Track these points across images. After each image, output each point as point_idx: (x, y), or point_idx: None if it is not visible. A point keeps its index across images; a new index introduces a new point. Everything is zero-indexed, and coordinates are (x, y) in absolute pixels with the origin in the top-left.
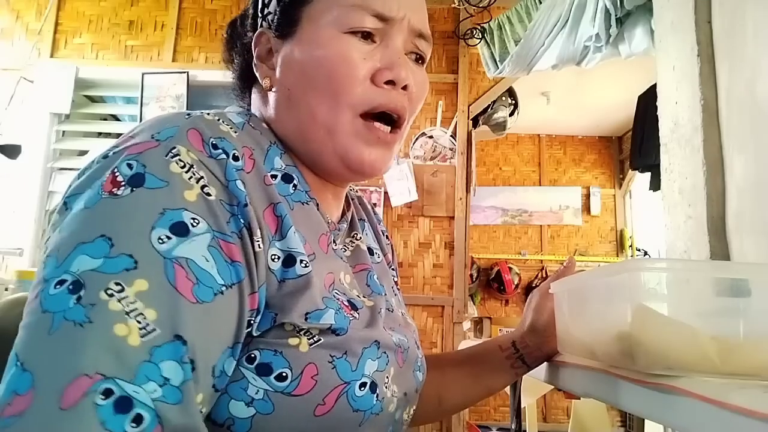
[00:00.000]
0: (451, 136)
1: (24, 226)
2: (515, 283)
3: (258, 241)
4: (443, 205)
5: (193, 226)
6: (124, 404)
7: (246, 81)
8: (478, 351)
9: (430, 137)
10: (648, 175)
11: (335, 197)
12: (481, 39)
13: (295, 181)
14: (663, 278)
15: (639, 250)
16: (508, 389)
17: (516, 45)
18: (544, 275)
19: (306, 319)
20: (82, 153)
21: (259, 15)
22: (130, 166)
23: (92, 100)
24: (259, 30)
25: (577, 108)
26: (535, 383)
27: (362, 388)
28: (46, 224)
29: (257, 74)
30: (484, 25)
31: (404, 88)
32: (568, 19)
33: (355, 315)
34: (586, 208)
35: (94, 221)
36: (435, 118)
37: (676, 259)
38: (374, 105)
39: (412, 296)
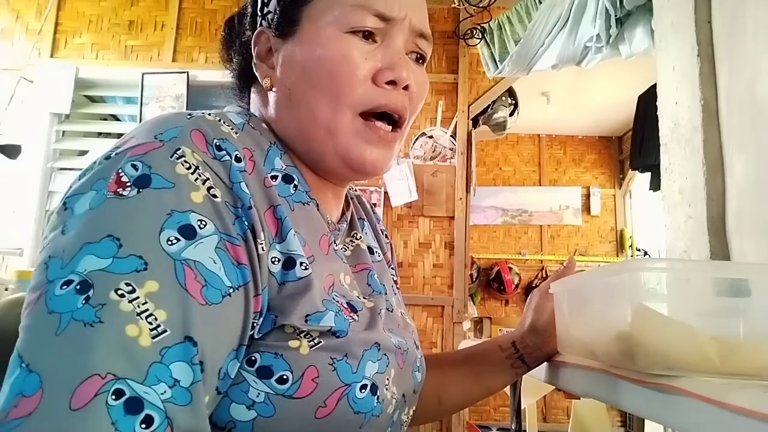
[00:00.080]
0: (451, 136)
1: (24, 226)
2: (515, 283)
3: (261, 243)
4: (443, 205)
5: (200, 228)
6: (134, 405)
7: (245, 80)
8: (478, 351)
9: (430, 137)
10: (648, 175)
11: (335, 197)
12: (481, 39)
13: (295, 182)
14: (663, 278)
15: (639, 250)
16: (508, 389)
17: (516, 45)
18: (544, 275)
19: (306, 321)
20: (82, 153)
21: (259, 14)
22: (135, 166)
23: (92, 100)
24: (258, 29)
25: (577, 108)
26: (535, 383)
27: (363, 390)
28: (45, 224)
29: (257, 74)
30: (484, 25)
31: (405, 88)
32: (568, 19)
33: (355, 317)
34: (586, 208)
35: (100, 222)
36: (435, 118)
37: (676, 259)
38: (375, 105)
39: (412, 296)
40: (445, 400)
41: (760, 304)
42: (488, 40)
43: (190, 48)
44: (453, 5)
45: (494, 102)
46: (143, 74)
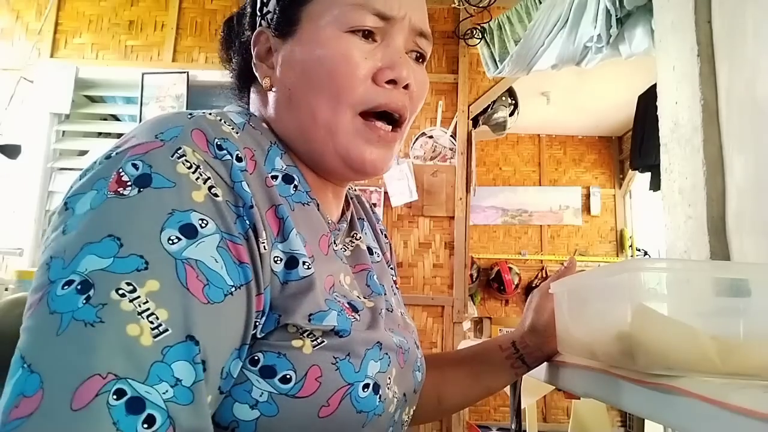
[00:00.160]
0: (451, 136)
1: (24, 226)
2: (515, 283)
3: (263, 242)
4: (443, 205)
5: (201, 227)
6: (136, 405)
7: (244, 80)
8: (478, 351)
9: (430, 137)
10: (648, 175)
11: (335, 196)
12: (481, 39)
13: (295, 182)
14: (663, 278)
15: (639, 250)
16: (508, 389)
17: (516, 45)
18: (544, 275)
19: (309, 320)
20: (82, 153)
21: (258, 14)
22: (135, 166)
23: (92, 100)
24: (258, 29)
25: (577, 108)
26: (535, 383)
27: (365, 390)
28: (46, 224)
29: (257, 74)
30: (484, 25)
31: (405, 87)
32: (568, 19)
33: (356, 317)
34: (586, 208)
35: (101, 221)
36: (435, 118)
37: (676, 259)
38: (375, 104)
39: (412, 296)
40: (444, 399)
41: (760, 304)
42: (488, 40)
43: (190, 48)
44: (453, 5)
45: (494, 102)
46: (143, 74)
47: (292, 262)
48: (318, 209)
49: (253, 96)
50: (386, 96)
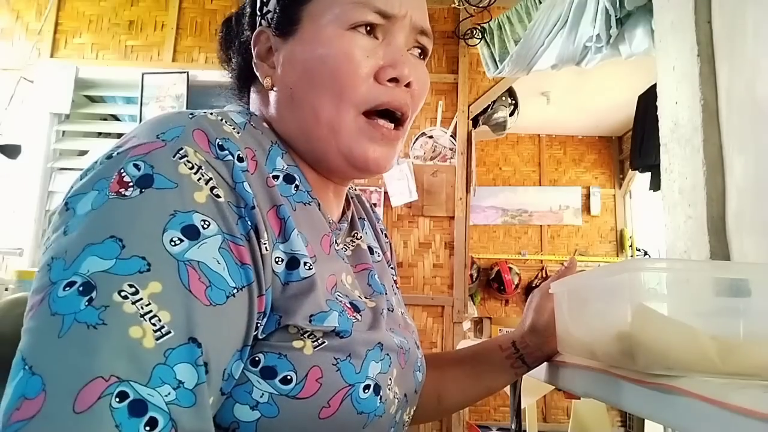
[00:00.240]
0: (451, 136)
1: (24, 226)
2: (515, 283)
3: (265, 243)
4: (443, 205)
5: (203, 228)
6: (138, 407)
7: (245, 80)
8: (478, 350)
9: (430, 137)
10: (648, 175)
11: (336, 196)
12: (481, 39)
13: (296, 182)
14: (663, 278)
15: (639, 250)
16: (508, 389)
17: (516, 45)
18: (544, 275)
19: (310, 321)
20: (82, 153)
21: (258, 13)
22: (137, 166)
23: (92, 100)
24: (258, 29)
25: (577, 108)
26: (535, 383)
27: (366, 391)
28: (46, 224)
29: (257, 73)
30: (484, 25)
31: (407, 85)
32: (568, 19)
33: (358, 317)
34: (586, 208)
35: (103, 222)
36: (435, 118)
37: (676, 259)
38: (378, 103)
39: (412, 296)
40: (444, 399)
41: (760, 304)
42: (488, 40)
43: (190, 48)
44: (453, 5)
45: (494, 102)
46: (143, 74)
47: (293, 262)
48: (319, 209)
49: (254, 96)
50: (388, 94)
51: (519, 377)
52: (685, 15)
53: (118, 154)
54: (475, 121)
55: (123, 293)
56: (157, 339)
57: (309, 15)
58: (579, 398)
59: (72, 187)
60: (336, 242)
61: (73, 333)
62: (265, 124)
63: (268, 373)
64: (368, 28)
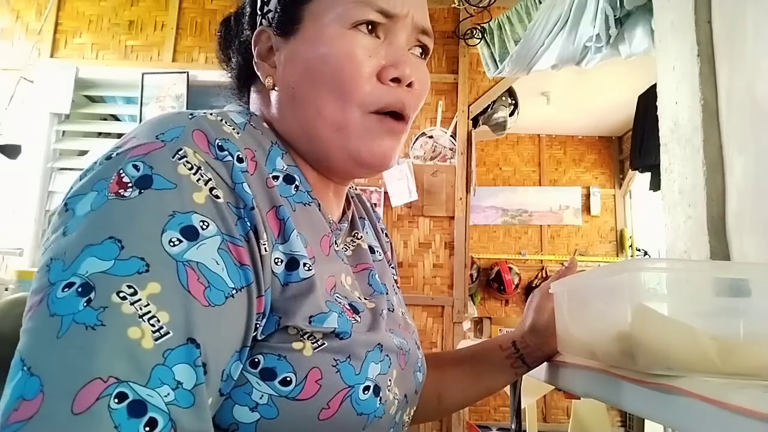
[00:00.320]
0: (451, 136)
1: (24, 226)
2: (515, 283)
3: (264, 244)
4: (443, 205)
5: (202, 229)
6: (137, 408)
7: (244, 80)
8: (478, 350)
9: (430, 137)
10: (648, 175)
11: (337, 196)
12: (481, 39)
13: (296, 182)
14: (663, 278)
15: (639, 250)
16: (508, 389)
17: (516, 45)
18: (544, 275)
19: (310, 322)
20: (82, 153)
21: (258, 13)
22: (136, 167)
23: (92, 100)
24: (258, 28)
25: (577, 108)
26: (535, 383)
27: (366, 392)
28: (46, 224)
29: (258, 73)
30: (484, 25)
31: (409, 85)
32: (568, 19)
33: (357, 318)
34: (586, 208)
35: (102, 223)
36: (435, 118)
37: (676, 259)
38: (382, 105)
39: (412, 296)
40: (444, 399)
41: (760, 304)
42: (488, 40)
43: (190, 48)
44: (453, 5)
45: (494, 102)
46: (143, 74)
47: (292, 263)
48: (319, 209)
49: (254, 95)
50: (392, 96)
51: (519, 377)
52: (685, 15)
53: (117, 154)
54: (475, 121)
55: (122, 294)
56: (156, 340)
57: (310, 14)
58: (579, 398)
59: (71, 188)
60: (336, 242)
61: (72, 334)
62: (265, 124)
63: (267, 375)
64: (370, 27)
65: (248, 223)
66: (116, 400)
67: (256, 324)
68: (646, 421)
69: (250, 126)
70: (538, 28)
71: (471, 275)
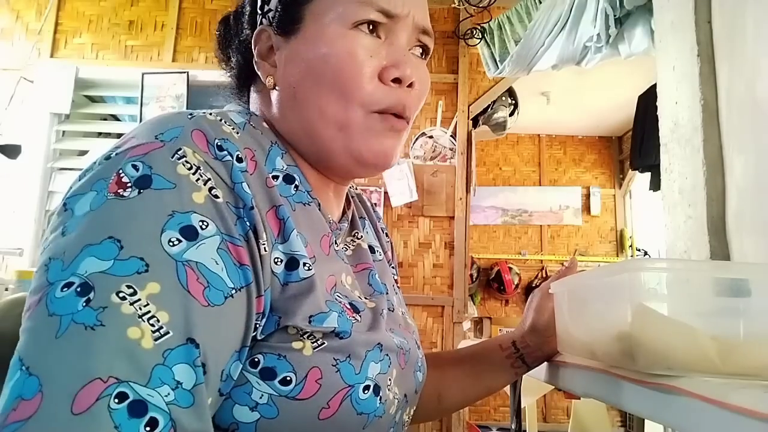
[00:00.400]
0: (451, 136)
1: (24, 226)
2: (515, 283)
3: (264, 244)
4: (443, 205)
5: (202, 228)
6: (138, 408)
7: (244, 79)
8: (478, 350)
9: (430, 137)
10: (648, 175)
11: (337, 195)
12: (481, 39)
13: (296, 182)
14: (663, 278)
15: (639, 250)
16: (508, 389)
17: (516, 45)
18: (544, 275)
19: (310, 322)
20: (82, 153)
21: (259, 12)
22: (135, 167)
23: (92, 100)
24: (259, 27)
25: (577, 108)
26: (535, 383)
27: (366, 391)
28: (46, 224)
29: (259, 72)
30: (484, 25)
31: (410, 85)
32: (568, 19)
33: (357, 318)
34: (586, 208)
35: (101, 223)
36: (435, 118)
37: (676, 259)
38: (383, 107)
39: (412, 296)
40: (444, 398)
41: (760, 304)
42: (488, 40)
43: (190, 48)
44: (453, 5)
45: (494, 102)
46: (143, 74)
47: (292, 263)
48: (319, 209)
49: (254, 95)
50: (393, 97)
51: (519, 377)
52: (685, 15)
53: (116, 154)
54: (475, 121)
55: (121, 294)
56: (156, 339)
57: (311, 13)
58: (579, 398)
59: (71, 188)
60: (336, 242)
61: (71, 334)
62: (264, 124)
63: (267, 374)
64: (371, 27)
65: (248, 223)
66: (116, 400)
67: (255, 324)
68: (646, 421)
69: (249, 126)
70: (539, 28)
71: (471, 275)
